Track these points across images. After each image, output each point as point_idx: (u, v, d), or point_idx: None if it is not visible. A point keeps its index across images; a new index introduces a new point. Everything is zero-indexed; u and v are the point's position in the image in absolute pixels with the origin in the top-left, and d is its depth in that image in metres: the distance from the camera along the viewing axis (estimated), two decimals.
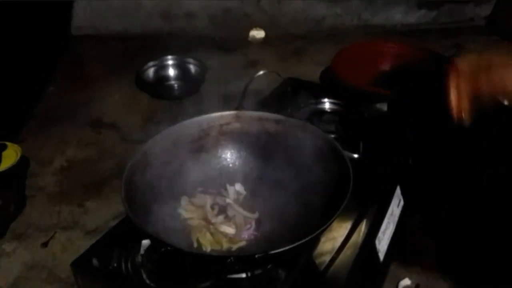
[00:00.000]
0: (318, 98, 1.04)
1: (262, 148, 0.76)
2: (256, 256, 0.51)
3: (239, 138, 0.78)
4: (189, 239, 0.66)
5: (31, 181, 1.13)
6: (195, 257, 0.54)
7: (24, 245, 0.96)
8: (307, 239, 0.53)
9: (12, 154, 1.05)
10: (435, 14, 1.89)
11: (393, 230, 0.81)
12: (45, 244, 0.96)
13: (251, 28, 1.87)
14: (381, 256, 0.76)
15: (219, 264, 0.54)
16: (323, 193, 0.66)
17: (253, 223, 0.69)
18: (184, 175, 0.74)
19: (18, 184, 1.07)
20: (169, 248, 0.52)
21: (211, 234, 0.67)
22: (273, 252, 0.52)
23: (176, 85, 1.49)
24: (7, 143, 1.08)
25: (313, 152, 0.70)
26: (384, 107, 0.98)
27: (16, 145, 1.08)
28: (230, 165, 0.78)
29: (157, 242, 0.53)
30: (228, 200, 0.72)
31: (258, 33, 1.88)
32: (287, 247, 0.52)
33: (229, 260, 0.51)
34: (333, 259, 0.66)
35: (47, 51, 1.71)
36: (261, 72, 0.78)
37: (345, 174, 0.63)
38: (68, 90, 1.53)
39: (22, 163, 1.09)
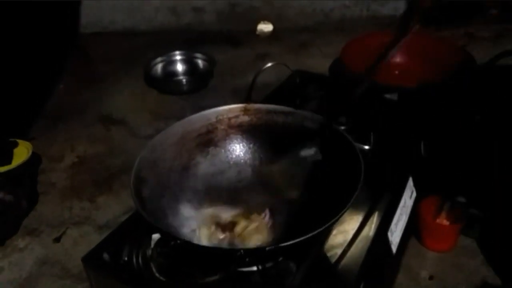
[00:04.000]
0: (327, 90, 1.03)
1: (271, 141, 0.76)
2: (267, 248, 0.50)
3: (248, 131, 0.77)
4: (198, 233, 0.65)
5: (43, 177, 1.14)
6: (205, 250, 0.54)
7: (37, 240, 0.97)
8: (317, 231, 0.52)
9: (23, 151, 1.06)
10: (446, 2, 1.85)
11: (405, 222, 0.80)
12: (57, 240, 0.97)
13: (258, 21, 1.86)
14: (394, 248, 0.75)
15: (229, 257, 0.54)
16: (334, 185, 0.65)
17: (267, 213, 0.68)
18: (193, 169, 0.74)
19: (30, 181, 1.08)
20: (179, 241, 0.51)
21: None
22: (283, 244, 0.51)
23: (184, 80, 1.49)
24: (19, 140, 1.09)
25: (323, 144, 0.69)
26: (394, 97, 0.96)
27: (27, 142, 1.09)
28: (240, 158, 0.77)
29: (167, 236, 0.53)
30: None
31: (266, 27, 1.87)
32: (297, 240, 0.51)
33: (239, 253, 0.50)
34: (345, 252, 0.65)
35: (56, 49, 1.72)
36: (269, 64, 0.77)
37: (356, 166, 0.61)
38: (78, 87, 1.54)
39: (34, 160, 1.10)
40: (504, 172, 0.80)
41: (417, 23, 0.66)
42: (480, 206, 0.87)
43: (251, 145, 0.77)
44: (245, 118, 0.77)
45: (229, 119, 0.77)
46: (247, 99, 0.79)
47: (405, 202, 0.80)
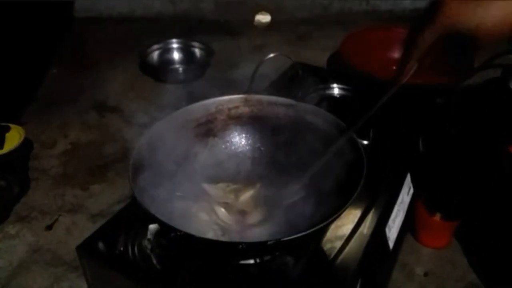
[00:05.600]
0: (327, 83, 1.02)
1: (272, 133, 0.75)
2: (269, 242, 0.50)
3: (248, 123, 0.76)
4: (196, 224, 0.65)
5: (35, 163, 1.12)
6: (205, 242, 0.53)
7: (28, 227, 0.95)
8: (319, 226, 0.52)
9: (15, 136, 1.04)
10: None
11: (402, 218, 0.80)
12: (49, 227, 0.95)
13: (256, 11, 1.84)
14: (391, 244, 0.75)
15: (230, 250, 0.53)
16: (335, 180, 0.64)
17: None
18: (191, 159, 0.72)
19: (22, 166, 1.06)
20: (179, 233, 0.50)
21: None
22: (285, 239, 0.50)
23: (180, 69, 1.47)
24: (11, 125, 1.07)
25: (324, 138, 0.69)
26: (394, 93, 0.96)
27: (19, 127, 1.07)
28: (239, 149, 0.76)
29: (167, 227, 0.52)
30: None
31: (263, 17, 1.85)
32: (300, 234, 0.50)
33: (240, 246, 0.50)
34: (342, 247, 0.65)
35: (50, 33, 1.68)
36: (271, 55, 0.76)
37: (358, 162, 0.61)
38: (71, 72, 1.51)
39: (26, 145, 1.08)
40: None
41: (415, 63, 0.62)
42: (475, 205, 0.88)
43: (250, 137, 0.76)
44: (246, 109, 0.76)
45: (229, 109, 0.76)
46: (248, 90, 0.78)
47: (402, 199, 0.80)
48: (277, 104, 0.75)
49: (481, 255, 0.86)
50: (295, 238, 0.50)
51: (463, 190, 0.87)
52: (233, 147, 0.76)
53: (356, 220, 0.69)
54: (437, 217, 0.86)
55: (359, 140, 0.65)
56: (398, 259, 0.85)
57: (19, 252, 0.90)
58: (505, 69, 1.06)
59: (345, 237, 0.66)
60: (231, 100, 0.76)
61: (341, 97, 1.02)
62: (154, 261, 0.57)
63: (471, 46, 0.53)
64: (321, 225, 0.51)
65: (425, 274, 0.84)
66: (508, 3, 0.45)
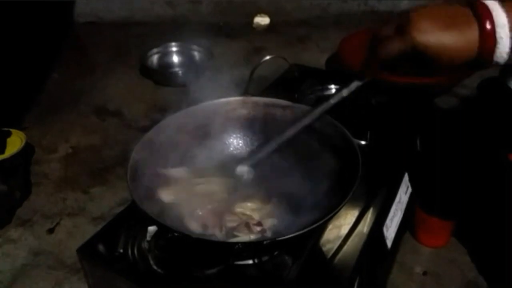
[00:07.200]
0: (324, 85, 1.03)
1: (269, 134, 0.75)
2: (264, 242, 0.50)
3: (245, 124, 0.77)
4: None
5: (36, 168, 1.13)
6: (203, 243, 0.54)
7: (30, 231, 0.96)
8: (315, 225, 0.52)
9: (16, 141, 1.05)
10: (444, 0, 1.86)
11: (400, 217, 0.80)
12: (51, 231, 0.96)
13: (255, 14, 1.85)
14: (389, 243, 0.75)
15: (227, 250, 0.54)
16: (331, 180, 0.65)
17: None
18: (190, 161, 0.73)
19: (23, 171, 1.07)
20: (176, 234, 0.51)
21: None
22: (281, 238, 0.51)
23: (180, 72, 1.48)
24: (12, 130, 1.08)
25: (321, 139, 0.69)
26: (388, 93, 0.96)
27: (20, 132, 1.08)
28: (237, 151, 0.77)
29: (164, 228, 0.53)
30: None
31: (262, 20, 1.86)
32: (295, 234, 0.51)
33: (237, 246, 0.50)
34: (340, 246, 0.65)
35: (50, 38, 1.70)
36: (267, 57, 0.77)
37: (353, 161, 0.61)
38: (72, 77, 1.53)
39: (27, 150, 1.09)
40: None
41: (372, 75, 0.61)
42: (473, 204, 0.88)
43: (248, 139, 0.77)
44: (243, 111, 0.77)
45: (227, 111, 0.76)
46: (245, 92, 0.78)
47: (400, 198, 0.80)
48: (273, 106, 0.75)
49: (480, 254, 0.86)
50: (290, 237, 0.50)
51: (461, 189, 0.87)
52: (231, 149, 0.77)
53: (354, 219, 0.69)
54: (436, 216, 0.86)
55: (354, 140, 0.65)
56: (397, 258, 0.86)
57: (21, 255, 0.91)
58: (504, 67, 1.06)
59: (343, 237, 0.67)
60: (229, 102, 0.77)
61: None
62: (154, 263, 0.58)
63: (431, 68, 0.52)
64: (316, 224, 0.52)
65: (424, 273, 0.85)
66: (473, 33, 0.47)
